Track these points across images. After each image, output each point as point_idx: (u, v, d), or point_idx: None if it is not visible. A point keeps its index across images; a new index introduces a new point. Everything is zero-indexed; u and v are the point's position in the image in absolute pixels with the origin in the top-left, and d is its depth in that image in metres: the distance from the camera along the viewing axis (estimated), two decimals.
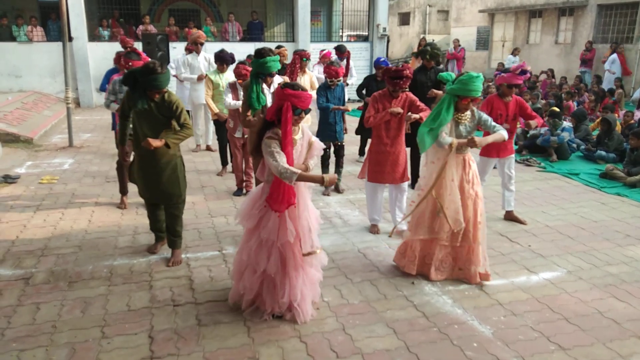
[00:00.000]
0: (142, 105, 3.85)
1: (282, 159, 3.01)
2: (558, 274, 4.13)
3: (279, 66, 4.67)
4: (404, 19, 27.95)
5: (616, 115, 9.32)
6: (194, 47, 7.85)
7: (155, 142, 3.82)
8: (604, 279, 4.05)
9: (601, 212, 5.69)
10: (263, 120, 3.25)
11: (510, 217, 5.33)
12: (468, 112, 3.93)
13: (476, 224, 3.87)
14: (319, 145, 3.36)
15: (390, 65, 5.09)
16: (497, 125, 4.04)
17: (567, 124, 8.56)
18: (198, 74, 7.73)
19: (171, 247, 4.27)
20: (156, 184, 4.06)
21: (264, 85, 4.85)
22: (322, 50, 9.29)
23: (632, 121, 9.02)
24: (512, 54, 16.32)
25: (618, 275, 4.11)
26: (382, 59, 7.48)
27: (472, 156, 4.04)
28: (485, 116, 4.03)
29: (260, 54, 4.72)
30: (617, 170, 7.01)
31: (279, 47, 7.73)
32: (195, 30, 9.35)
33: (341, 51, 8.75)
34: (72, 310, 3.46)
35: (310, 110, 3.25)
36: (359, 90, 7.59)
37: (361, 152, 7.85)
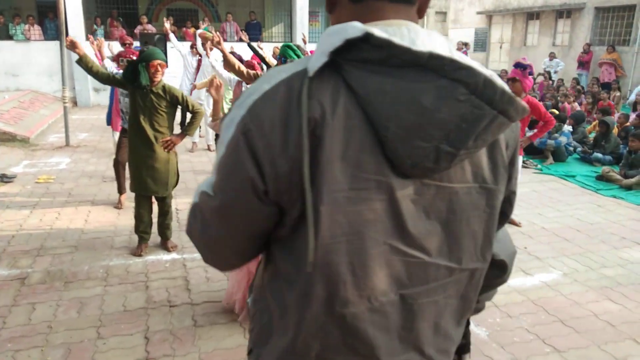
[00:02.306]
0: (145, 81, 3.97)
1: None
2: (554, 276, 4.14)
3: (302, 54, 4.72)
4: None
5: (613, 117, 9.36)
6: (204, 46, 7.86)
7: (178, 140, 4.23)
8: (600, 281, 4.06)
9: (597, 214, 5.71)
10: None
11: None
12: None
13: None
14: None
15: None
16: None
17: (567, 127, 8.59)
18: (205, 70, 7.77)
19: (165, 237, 4.48)
20: (153, 174, 4.17)
21: None
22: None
23: (628, 124, 9.05)
24: (548, 58, 15.81)
25: (613, 277, 4.13)
26: None
27: None
28: None
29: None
30: (614, 172, 7.03)
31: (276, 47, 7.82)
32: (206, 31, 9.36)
33: None
34: (67, 310, 3.45)
35: None
36: None
37: None
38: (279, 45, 7.51)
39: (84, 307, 3.49)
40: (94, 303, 3.55)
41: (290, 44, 4.62)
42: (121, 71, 5.37)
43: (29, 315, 3.37)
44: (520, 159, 5.29)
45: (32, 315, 3.38)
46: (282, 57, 4.54)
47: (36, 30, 13.30)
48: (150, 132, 4.11)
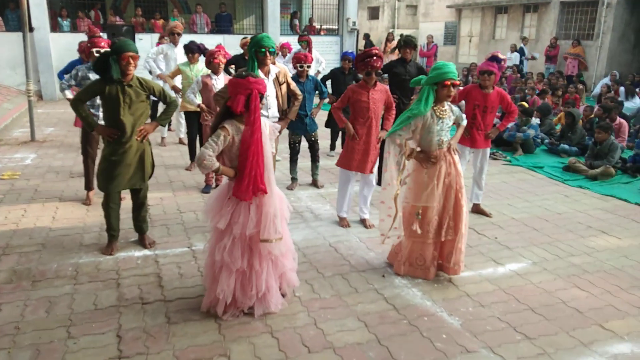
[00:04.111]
0: (117, 74, 3.87)
1: (211, 150, 3.08)
2: (524, 265, 4.24)
3: (274, 44, 4.71)
4: (374, 13, 28.03)
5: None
6: (170, 38, 7.71)
7: (151, 129, 4.15)
8: (568, 269, 4.17)
9: (564, 204, 5.86)
10: (222, 114, 3.19)
11: (476, 209, 5.43)
12: (447, 107, 3.86)
13: (458, 216, 3.87)
14: (274, 128, 3.39)
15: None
16: (464, 118, 4.12)
17: (534, 120, 8.77)
18: (173, 65, 7.55)
19: (142, 232, 4.41)
20: (131, 169, 4.11)
21: (261, 74, 4.77)
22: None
23: (592, 115, 9.30)
24: (510, 51, 16.21)
25: (580, 265, 4.25)
26: (349, 52, 7.49)
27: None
28: (458, 110, 4.04)
29: (252, 37, 4.79)
30: (580, 163, 7.23)
31: (244, 38, 7.75)
32: (171, 21, 9.25)
33: (302, 38, 9.16)
34: (36, 310, 3.36)
35: (264, 95, 3.24)
36: (322, 82, 7.58)
37: (332, 147, 7.86)
38: (249, 37, 7.46)
39: (53, 307, 3.40)
40: (64, 302, 3.47)
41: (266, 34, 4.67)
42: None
43: None
44: (488, 151, 5.40)
45: None
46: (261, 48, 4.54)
47: None
48: (131, 128, 4.01)
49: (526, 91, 11.72)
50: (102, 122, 4.39)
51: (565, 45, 15.79)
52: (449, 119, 3.87)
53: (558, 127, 9.27)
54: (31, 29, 11.68)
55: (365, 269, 4.09)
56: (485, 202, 5.56)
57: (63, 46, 12.19)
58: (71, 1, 14.39)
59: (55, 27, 13.18)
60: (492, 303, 3.61)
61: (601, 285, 3.91)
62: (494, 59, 5.11)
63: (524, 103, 9.24)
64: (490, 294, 3.73)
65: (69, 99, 5.59)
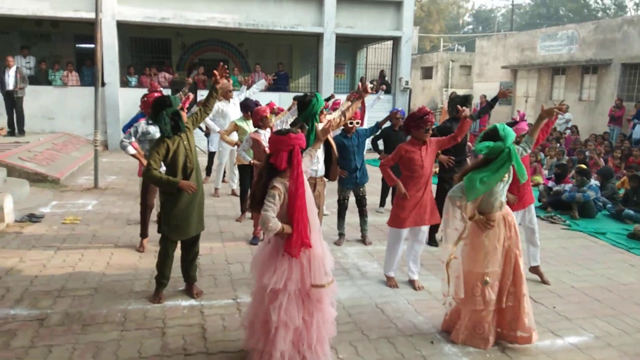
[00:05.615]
0: (183, 125, 4.10)
1: (272, 211, 3.04)
2: (585, 338, 3.94)
3: (323, 103, 5.02)
4: (427, 73, 28.43)
5: None
6: (226, 95, 8.13)
7: (223, 80, 4.44)
8: (636, 346, 3.84)
9: (630, 274, 5.48)
10: (267, 172, 3.20)
11: (535, 271, 5.14)
12: None
13: (518, 281, 3.68)
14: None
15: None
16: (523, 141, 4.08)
17: (594, 182, 8.42)
18: (231, 120, 7.83)
19: (191, 281, 4.47)
20: (196, 214, 4.25)
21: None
22: (331, 99, 9.56)
23: None
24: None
25: None
26: (399, 109, 7.56)
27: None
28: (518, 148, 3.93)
29: (304, 101, 4.95)
30: None
31: (295, 97, 8.01)
32: (231, 79, 9.81)
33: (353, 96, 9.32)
34: (83, 354, 3.42)
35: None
36: (374, 141, 7.62)
37: (382, 203, 7.80)
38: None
39: (99, 352, 3.45)
40: (110, 348, 3.51)
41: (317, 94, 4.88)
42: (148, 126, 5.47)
43: (45, 358, 3.34)
44: (533, 206, 5.10)
45: (48, 358, 3.34)
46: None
47: (74, 76, 13.93)
48: (198, 169, 4.21)
49: (586, 153, 11.33)
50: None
51: (628, 107, 15.28)
52: (507, 178, 3.75)
53: (621, 192, 8.83)
54: (103, 84, 12.59)
55: (412, 333, 3.93)
56: (543, 269, 5.27)
57: (131, 100, 12.99)
58: (141, 59, 15.45)
59: (124, 83, 14.17)
60: None
61: None
62: (522, 118, 5.16)
63: (582, 165, 8.91)
64: None
65: (132, 155, 5.76)
